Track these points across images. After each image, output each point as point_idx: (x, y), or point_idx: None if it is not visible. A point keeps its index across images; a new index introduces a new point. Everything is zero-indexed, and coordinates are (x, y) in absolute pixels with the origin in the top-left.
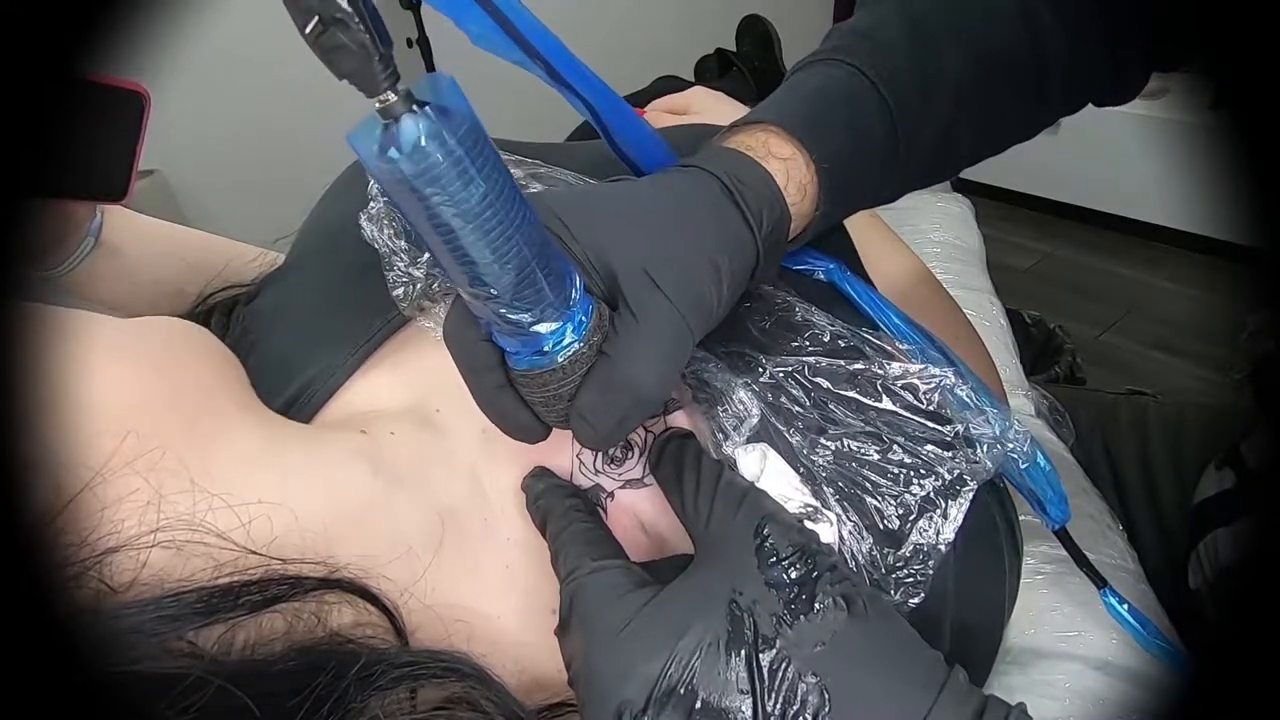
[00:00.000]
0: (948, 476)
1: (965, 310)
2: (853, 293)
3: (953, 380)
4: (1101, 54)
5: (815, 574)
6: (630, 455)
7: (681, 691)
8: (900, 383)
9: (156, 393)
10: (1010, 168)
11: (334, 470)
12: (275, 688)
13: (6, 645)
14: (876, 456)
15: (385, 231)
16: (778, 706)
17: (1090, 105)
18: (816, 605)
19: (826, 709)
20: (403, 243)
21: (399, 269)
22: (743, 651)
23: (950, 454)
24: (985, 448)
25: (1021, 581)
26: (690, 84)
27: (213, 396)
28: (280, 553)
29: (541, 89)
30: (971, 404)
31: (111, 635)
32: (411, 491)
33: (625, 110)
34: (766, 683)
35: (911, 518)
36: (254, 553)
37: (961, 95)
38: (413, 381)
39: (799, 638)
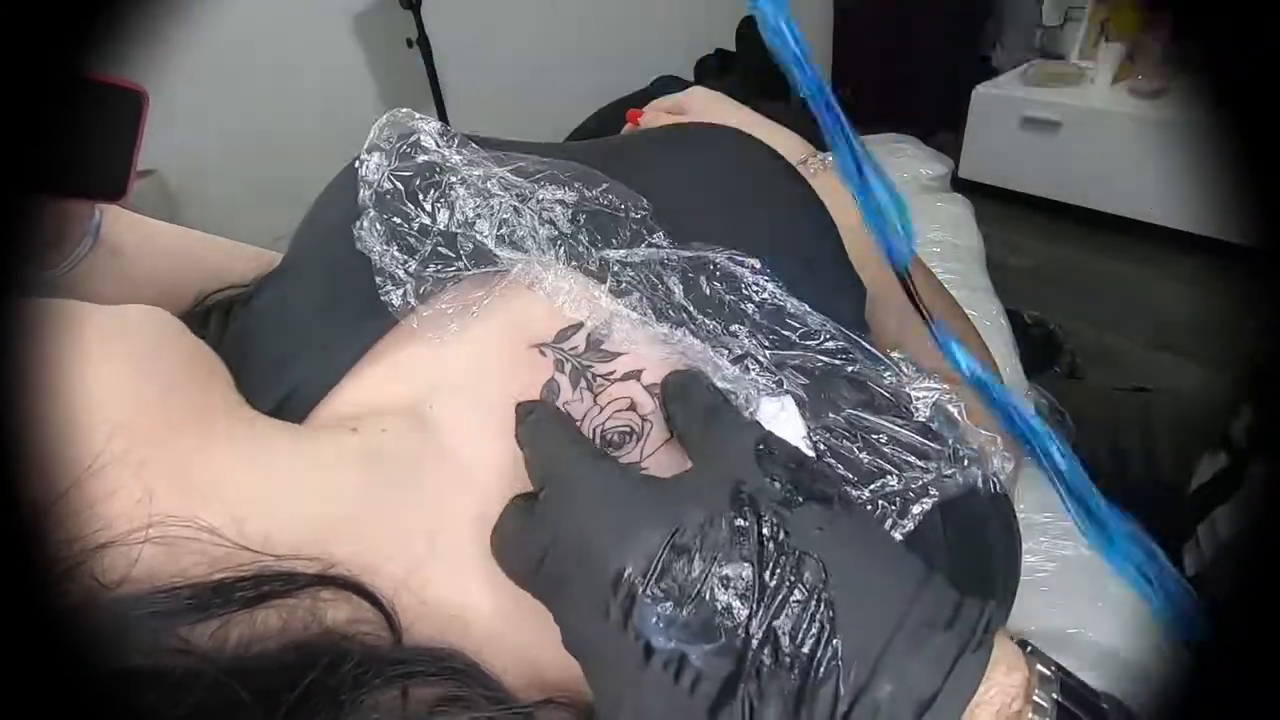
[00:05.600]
0: (918, 482)
1: (965, 310)
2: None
3: (946, 396)
4: None
5: (813, 479)
6: (629, 440)
7: (682, 561)
8: (890, 390)
9: (148, 388)
10: (1010, 168)
11: (326, 467)
12: (269, 684)
13: None
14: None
15: (377, 239)
16: (775, 579)
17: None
18: (814, 499)
19: (823, 582)
20: (394, 249)
21: (390, 274)
22: (745, 528)
23: (924, 462)
24: (964, 462)
25: (1020, 580)
26: (690, 84)
27: (200, 392)
28: (274, 549)
29: (541, 89)
30: (960, 423)
31: (103, 632)
32: (405, 488)
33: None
34: (766, 558)
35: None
36: (246, 549)
37: None
38: (407, 380)
39: (799, 522)
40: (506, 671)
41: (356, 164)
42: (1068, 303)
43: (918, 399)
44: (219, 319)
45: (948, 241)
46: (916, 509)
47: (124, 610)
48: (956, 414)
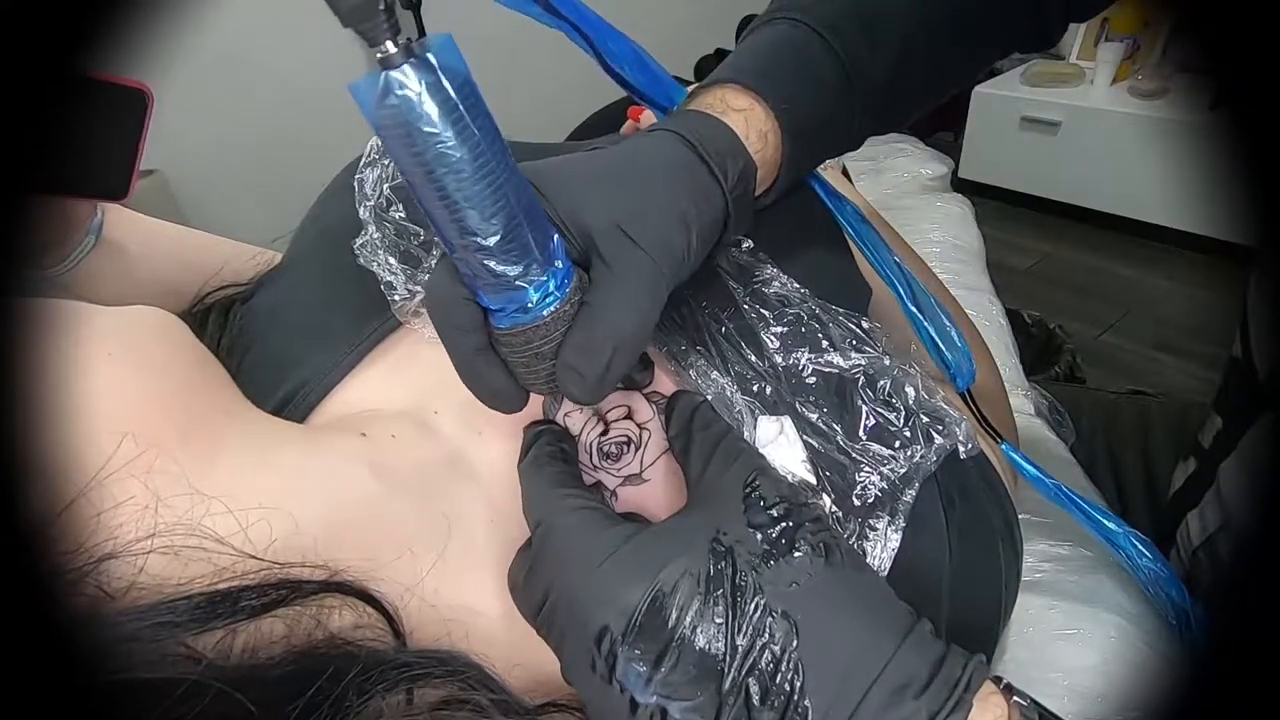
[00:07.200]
0: (900, 472)
1: (965, 310)
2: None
3: (908, 374)
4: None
5: (797, 522)
6: (627, 451)
7: (659, 620)
8: (856, 371)
9: (152, 392)
10: (1010, 168)
11: (335, 474)
12: (273, 692)
13: (2, 653)
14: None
15: (381, 256)
16: (746, 639)
17: (1016, 53)
18: (796, 551)
19: (794, 644)
20: (395, 260)
21: (398, 289)
22: (720, 586)
23: (892, 451)
24: (932, 436)
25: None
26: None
27: (206, 394)
28: (280, 557)
29: (542, 89)
30: (924, 401)
31: (108, 642)
32: (413, 494)
33: (618, 41)
34: (739, 616)
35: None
36: (253, 557)
37: (908, 33)
38: (410, 382)
39: (775, 576)
40: (511, 674)
41: (354, 180)
42: (1068, 303)
43: (880, 382)
44: (218, 318)
45: (948, 241)
46: (906, 497)
47: (129, 621)
48: (918, 388)
